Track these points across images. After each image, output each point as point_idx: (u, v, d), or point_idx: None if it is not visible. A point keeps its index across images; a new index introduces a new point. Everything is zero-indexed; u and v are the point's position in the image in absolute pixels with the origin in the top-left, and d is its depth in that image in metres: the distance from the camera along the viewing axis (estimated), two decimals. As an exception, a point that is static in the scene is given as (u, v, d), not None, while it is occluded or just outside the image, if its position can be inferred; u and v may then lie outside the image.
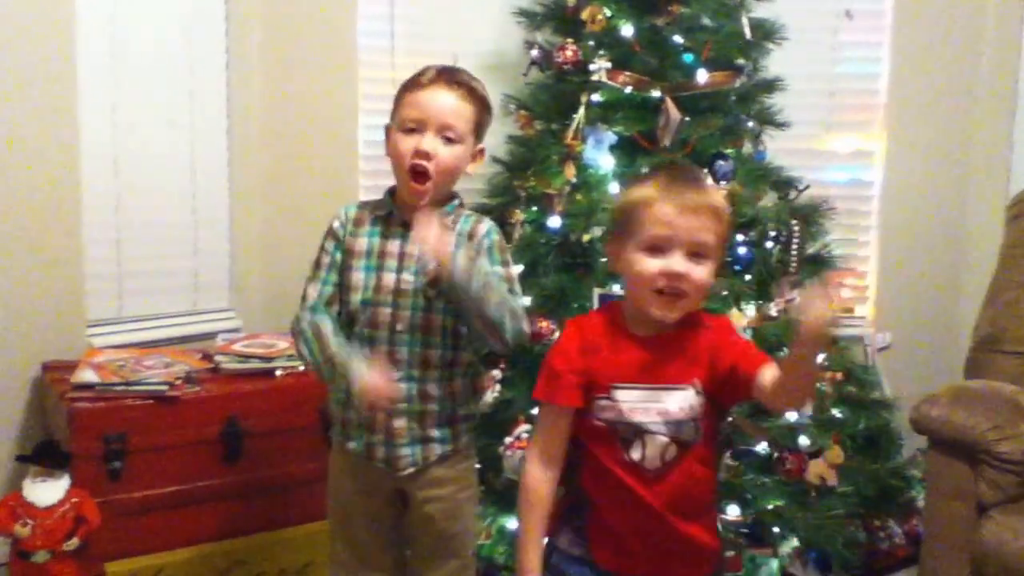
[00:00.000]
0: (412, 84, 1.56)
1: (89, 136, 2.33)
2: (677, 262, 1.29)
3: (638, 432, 1.33)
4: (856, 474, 2.23)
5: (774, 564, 2.07)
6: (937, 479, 1.94)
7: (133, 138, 2.43)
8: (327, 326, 1.54)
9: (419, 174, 1.52)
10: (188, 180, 2.56)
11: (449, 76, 1.55)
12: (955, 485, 1.90)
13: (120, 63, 2.39)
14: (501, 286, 1.52)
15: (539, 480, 1.38)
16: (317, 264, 1.61)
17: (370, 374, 1.47)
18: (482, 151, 1.62)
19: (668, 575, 1.37)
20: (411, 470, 1.59)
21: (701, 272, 1.30)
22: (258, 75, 2.58)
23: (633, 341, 1.36)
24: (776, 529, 2.12)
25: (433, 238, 1.41)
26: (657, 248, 1.30)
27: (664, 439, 1.33)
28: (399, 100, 1.57)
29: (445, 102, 1.53)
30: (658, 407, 1.33)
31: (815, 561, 2.17)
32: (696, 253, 1.30)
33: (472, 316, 1.49)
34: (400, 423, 1.56)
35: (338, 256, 1.59)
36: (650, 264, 1.30)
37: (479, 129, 1.59)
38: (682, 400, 1.33)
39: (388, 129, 1.59)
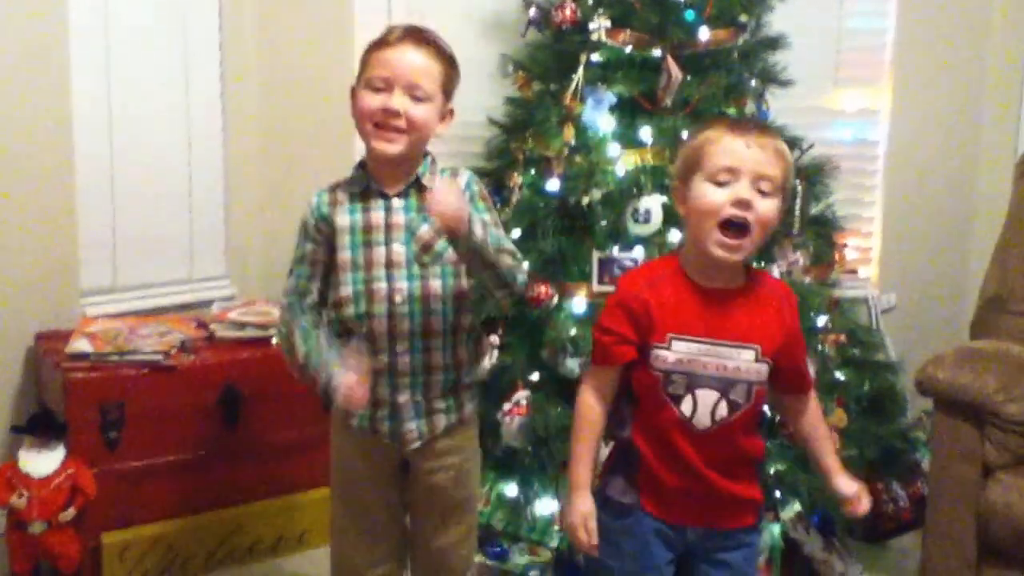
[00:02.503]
0: (379, 43, 1.53)
1: (82, 103, 2.30)
2: (744, 188, 1.30)
3: (690, 386, 1.34)
4: (860, 437, 2.22)
5: (776, 529, 2.06)
6: (942, 441, 1.92)
7: (127, 105, 2.41)
8: (297, 329, 1.55)
9: (386, 131, 1.49)
10: (183, 147, 2.53)
11: (417, 35, 1.53)
12: (961, 447, 1.88)
13: (113, 30, 2.36)
14: (506, 241, 1.51)
15: (591, 407, 1.41)
16: (294, 256, 1.60)
17: (345, 377, 1.46)
18: (451, 111, 1.58)
19: (712, 524, 1.41)
20: (417, 444, 1.57)
21: (767, 205, 1.31)
22: (253, 41, 2.55)
23: (698, 292, 1.36)
24: (778, 494, 2.11)
25: (454, 205, 1.38)
26: (723, 181, 1.31)
27: (716, 396, 1.34)
28: (365, 60, 1.54)
29: (413, 60, 1.50)
30: (716, 362, 1.34)
31: (819, 525, 2.17)
32: (761, 189, 1.31)
33: (483, 273, 1.48)
34: (404, 398, 1.55)
35: (309, 247, 1.57)
36: (717, 193, 1.31)
37: (447, 89, 1.55)
38: (741, 360, 1.35)
39: (353, 91, 1.56)
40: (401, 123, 1.49)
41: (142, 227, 2.48)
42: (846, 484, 1.47)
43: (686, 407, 1.35)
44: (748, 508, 1.44)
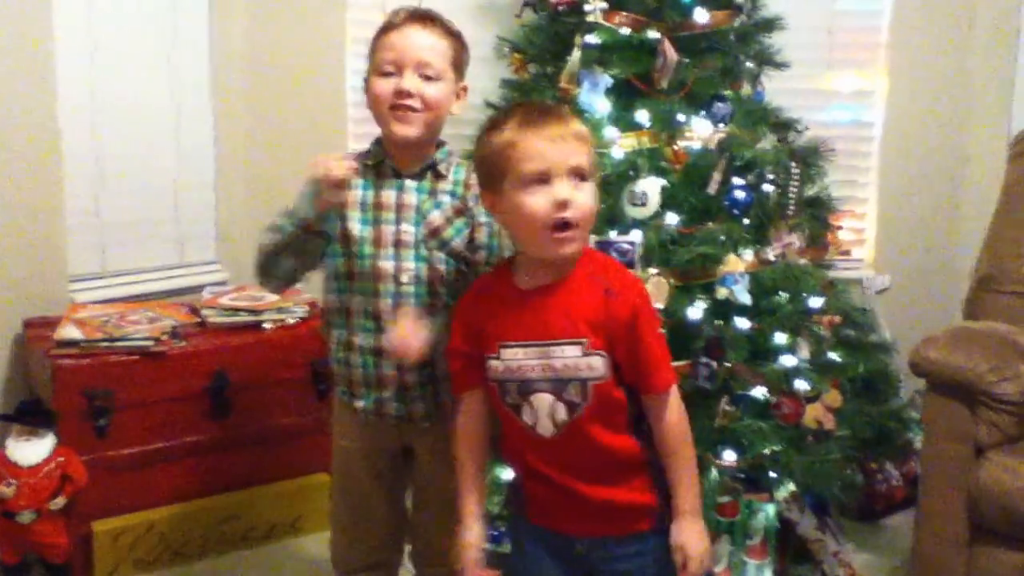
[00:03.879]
0: (385, 28, 1.53)
1: (68, 87, 2.26)
2: (562, 189, 1.26)
3: (523, 392, 1.31)
4: (854, 417, 2.23)
5: (771, 509, 2.07)
6: (935, 421, 1.93)
7: (114, 88, 2.37)
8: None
9: (403, 112, 1.48)
10: (171, 131, 2.50)
11: (421, 15, 1.52)
12: (953, 427, 1.89)
13: (99, 14, 2.32)
14: (506, 249, 1.51)
15: (464, 436, 1.42)
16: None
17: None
18: (465, 88, 1.58)
19: (596, 533, 1.35)
20: (426, 424, 1.57)
21: (586, 196, 1.28)
22: (242, 21, 2.51)
23: (519, 294, 1.33)
24: (773, 474, 2.12)
25: (413, 347, 1.44)
26: (538, 182, 1.26)
27: (550, 399, 1.29)
28: (374, 46, 1.53)
29: (420, 40, 1.50)
30: (542, 363, 1.30)
31: (812, 505, 2.18)
32: (577, 176, 1.27)
33: None
34: (412, 377, 1.54)
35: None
36: (536, 200, 1.26)
37: (458, 66, 1.55)
38: (567, 356, 1.28)
39: (367, 82, 1.55)
40: (416, 103, 1.48)
41: (131, 212, 2.44)
42: (678, 531, 1.32)
43: (527, 416, 1.32)
44: (636, 514, 1.35)
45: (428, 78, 1.49)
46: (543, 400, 1.30)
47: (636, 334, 1.30)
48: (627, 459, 1.34)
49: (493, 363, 1.32)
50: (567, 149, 1.27)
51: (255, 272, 1.58)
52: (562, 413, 1.30)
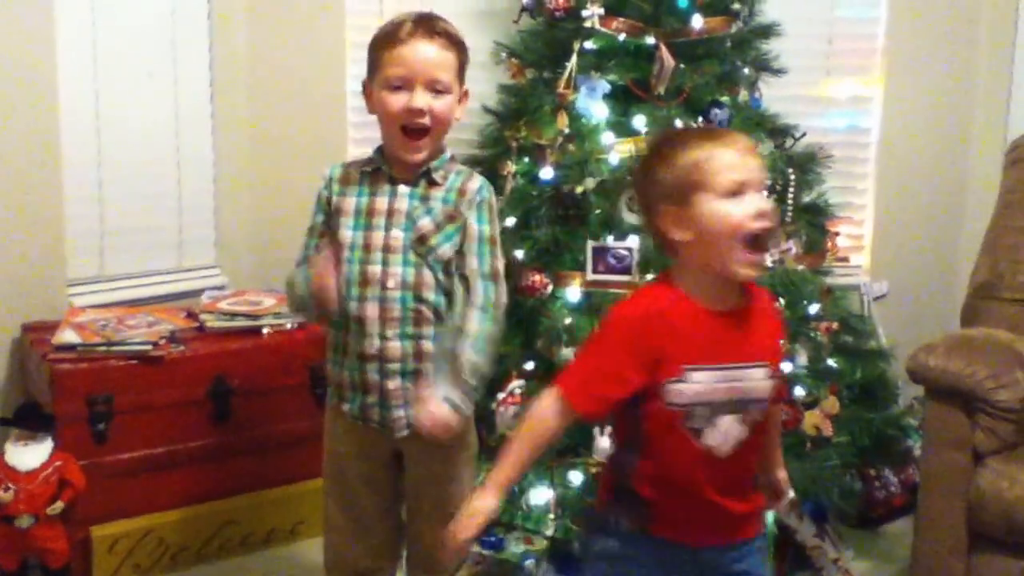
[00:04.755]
0: (390, 40, 1.52)
1: (69, 90, 2.27)
2: (760, 199, 1.26)
3: (711, 416, 1.28)
4: (852, 424, 2.23)
5: (769, 516, 2.07)
6: (934, 428, 1.93)
7: (114, 93, 2.37)
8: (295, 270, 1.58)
9: (415, 132, 1.51)
10: (171, 135, 2.50)
11: (427, 27, 1.52)
12: (952, 434, 1.89)
13: (101, 20, 2.32)
14: (490, 348, 1.52)
15: (551, 429, 1.29)
16: (309, 224, 1.61)
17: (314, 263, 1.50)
18: (467, 93, 1.59)
19: (725, 541, 1.37)
20: (406, 432, 1.56)
21: (771, 204, 1.27)
22: (242, 27, 2.52)
23: (708, 317, 1.28)
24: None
25: (441, 428, 1.45)
26: (736, 193, 1.26)
27: (734, 420, 1.29)
28: (378, 57, 1.53)
29: (429, 55, 1.50)
30: (731, 386, 1.28)
31: (811, 512, 2.18)
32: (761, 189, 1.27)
33: None
34: (394, 384, 1.54)
35: (320, 218, 1.59)
36: (735, 209, 1.26)
37: (461, 73, 1.56)
38: (755, 379, 1.29)
39: (365, 86, 1.56)
40: (426, 120, 1.50)
41: (130, 216, 2.44)
42: (784, 476, 1.47)
43: (709, 438, 1.28)
44: (757, 518, 1.42)
45: (437, 92, 1.51)
46: (726, 422, 1.28)
47: (781, 341, 1.38)
48: (758, 463, 1.40)
49: (677, 387, 1.25)
50: (755, 163, 1.28)
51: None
52: (743, 433, 1.29)
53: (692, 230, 1.27)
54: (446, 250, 1.53)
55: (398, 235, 1.52)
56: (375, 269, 1.52)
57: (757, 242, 1.25)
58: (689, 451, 1.28)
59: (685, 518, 1.33)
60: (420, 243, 1.52)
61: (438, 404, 1.45)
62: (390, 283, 1.51)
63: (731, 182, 1.25)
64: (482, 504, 1.28)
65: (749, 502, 1.37)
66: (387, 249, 1.52)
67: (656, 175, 1.30)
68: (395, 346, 1.52)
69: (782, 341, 1.38)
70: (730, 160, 1.25)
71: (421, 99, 1.49)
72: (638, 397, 1.27)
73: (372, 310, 1.51)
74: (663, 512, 1.32)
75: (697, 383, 1.26)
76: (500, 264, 1.58)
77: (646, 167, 1.34)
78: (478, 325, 1.51)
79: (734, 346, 1.29)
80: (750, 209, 1.24)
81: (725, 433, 1.28)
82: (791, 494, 1.47)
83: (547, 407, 1.28)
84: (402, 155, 1.52)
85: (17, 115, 2.18)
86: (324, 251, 1.52)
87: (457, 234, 1.54)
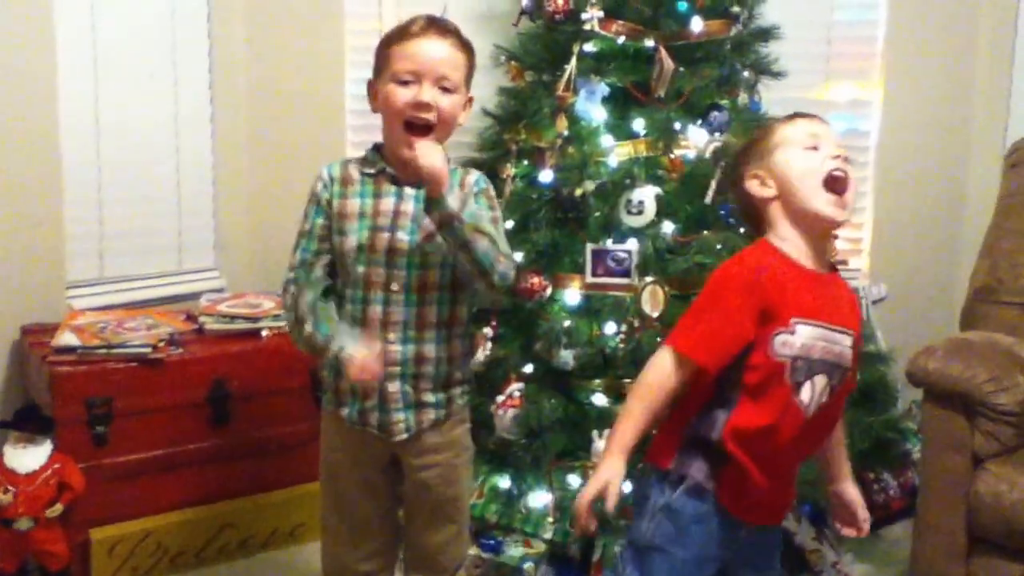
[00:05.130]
0: (402, 35, 1.52)
1: (69, 92, 2.27)
2: (831, 148, 1.37)
3: (809, 372, 1.33)
4: (852, 427, 2.22)
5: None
6: (933, 431, 1.93)
7: (114, 95, 2.37)
8: (304, 303, 1.52)
9: (418, 127, 1.49)
10: (171, 137, 2.50)
11: (438, 24, 1.53)
12: (951, 437, 1.89)
13: (101, 22, 2.32)
14: (490, 227, 1.49)
15: (670, 378, 1.32)
16: (300, 231, 1.57)
17: (357, 352, 1.46)
18: (471, 100, 1.59)
19: (767, 522, 1.43)
20: (404, 436, 1.56)
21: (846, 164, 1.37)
22: (242, 29, 2.52)
23: (808, 275, 1.36)
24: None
25: (438, 161, 1.41)
26: (811, 146, 1.38)
27: (825, 381, 1.34)
28: (388, 53, 1.52)
29: (440, 52, 1.50)
30: (828, 347, 1.34)
31: (810, 515, 2.18)
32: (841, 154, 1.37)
33: (461, 255, 1.46)
34: (394, 387, 1.53)
35: (319, 221, 1.55)
36: (812, 158, 1.37)
37: (468, 77, 1.56)
38: (844, 344, 1.36)
39: (371, 84, 1.55)
40: (432, 116, 1.49)
41: (129, 218, 2.45)
42: (853, 490, 1.51)
43: (805, 394, 1.33)
44: (791, 505, 1.50)
45: (445, 90, 1.50)
46: (819, 382, 1.33)
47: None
48: (820, 448, 1.46)
49: (788, 338, 1.31)
50: (831, 131, 1.41)
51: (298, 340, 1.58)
52: (826, 396, 1.35)
53: (776, 183, 1.37)
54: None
55: (403, 238, 1.51)
56: (379, 271, 1.51)
57: (835, 184, 1.33)
58: (785, 404, 1.32)
59: (754, 485, 1.34)
60: (428, 240, 1.51)
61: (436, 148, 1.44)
62: (394, 286, 1.51)
63: (808, 135, 1.37)
64: (611, 470, 1.31)
65: (794, 487, 1.45)
66: (392, 252, 1.51)
67: (745, 152, 1.45)
68: (396, 349, 1.51)
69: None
70: (805, 125, 1.39)
71: (429, 93, 1.48)
72: (744, 351, 1.32)
73: (375, 313, 1.51)
74: (735, 476, 1.34)
75: (802, 336, 1.31)
76: (506, 244, 1.54)
77: (738, 155, 1.49)
78: (492, 229, 1.49)
79: (830, 307, 1.35)
80: (825, 156, 1.35)
81: (817, 392, 1.33)
82: (867, 519, 1.49)
83: (662, 368, 1.32)
84: (403, 152, 1.50)
85: (17, 117, 2.18)
86: (375, 350, 1.48)
87: None
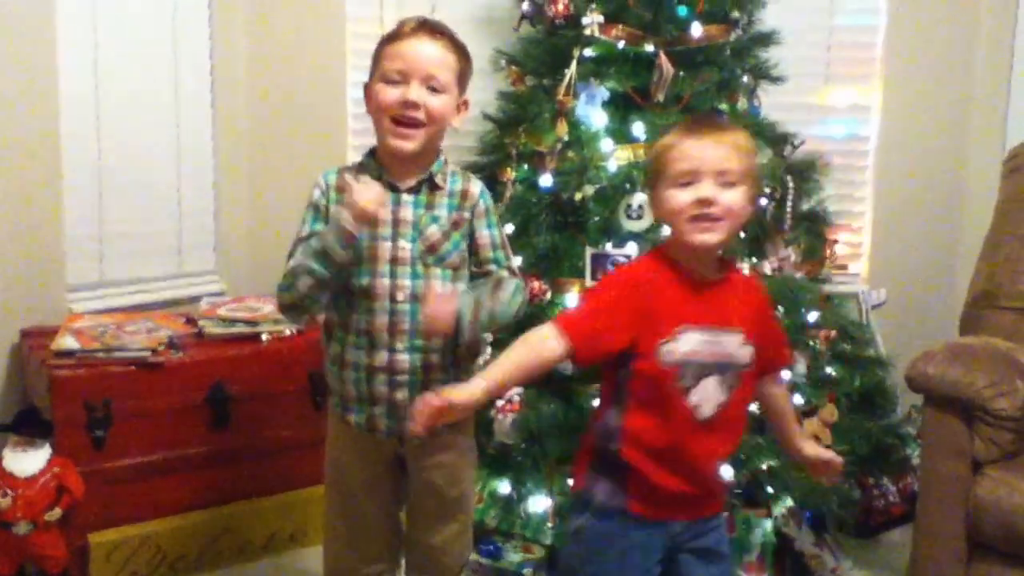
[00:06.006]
0: (393, 36, 1.53)
1: (69, 95, 2.27)
2: (705, 188, 1.36)
3: (699, 376, 1.38)
4: (851, 432, 2.23)
5: (768, 524, 2.07)
6: (933, 436, 1.93)
7: (114, 99, 2.37)
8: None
9: (405, 124, 1.49)
10: (171, 141, 2.50)
11: (430, 26, 1.53)
12: (951, 442, 1.89)
13: (101, 25, 2.32)
14: (504, 294, 1.53)
15: (552, 350, 1.36)
16: (297, 236, 1.55)
17: (354, 193, 1.43)
18: (466, 102, 1.59)
19: (695, 516, 1.46)
20: (417, 441, 1.56)
21: (731, 196, 1.37)
22: (243, 32, 2.53)
23: (693, 282, 1.41)
24: (770, 489, 2.11)
25: (446, 321, 1.43)
26: (686, 183, 1.38)
27: (716, 382, 1.39)
28: (380, 54, 1.54)
29: (429, 51, 1.50)
30: (715, 349, 1.39)
31: (809, 521, 2.17)
32: (724, 182, 1.37)
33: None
34: (403, 395, 1.53)
35: (318, 228, 1.54)
36: (681, 196, 1.38)
37: (462, 80, 1.56)
38: (733, 344, 1.41)
39: (367, 86, 1.56)
40: (420, 115, 1.49)
41: (129, 221, 2.44)
42: (811, 447, 1.57)
43: (695, 397, 1.39)
44: (721, 497, 1.52)
45: (434, 90, 1.50)
46: (711, 383, 1.39)
47: (767, 318, 1.53)
48: (735, 444, 1.48)
49: (672, 346, 1.37)
50: (718, 153, 1.38)
51: (288, 315, 1.57)
52: (722, 396, 1.40)
53: (659, 211, 1.45)
54: (454, 258, 1.54)
55: (405, 246, 1.52)
56: (383, 282, 1.51)
57: (703, 220, 1.37)
58: (676, 409, 1.38)
59: (660, 487, 1.40)
60: (430, 252, 1.51)
61: (450, 300, 1.45)
62: (399, 296, 1.51)
63: (682, 172, 1.38)
64: (464, 386, 1.32)
65: (717, 480, 1.48)
66: (395, 261, 1.51)
67: (646, 171, 1.53)
68: (404, 359, 1.52)
69: (760, 317, 1.47)
70: (686, 150, 1.38)
71: (416, 92, 1.48)
72: (629, 358, 1.38)
73: (380, 323, 1.51)
74: (640, 481, 1.40)
75: (688, 342, 1.38)
76: (513, 263, 1.63)
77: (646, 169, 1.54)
78: (511, 295, 1.54)
79: (715, 312, 1.41)
80: (692, 196, 1.37)
81: (708, 393, 1.39)
82: (838, 459, 1.55)
83: (541, 334, 1.37)
84: (392, 144, 1.50)
85: (17, 119, 2.18)
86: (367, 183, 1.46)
87: (463, 240, 1.55)
